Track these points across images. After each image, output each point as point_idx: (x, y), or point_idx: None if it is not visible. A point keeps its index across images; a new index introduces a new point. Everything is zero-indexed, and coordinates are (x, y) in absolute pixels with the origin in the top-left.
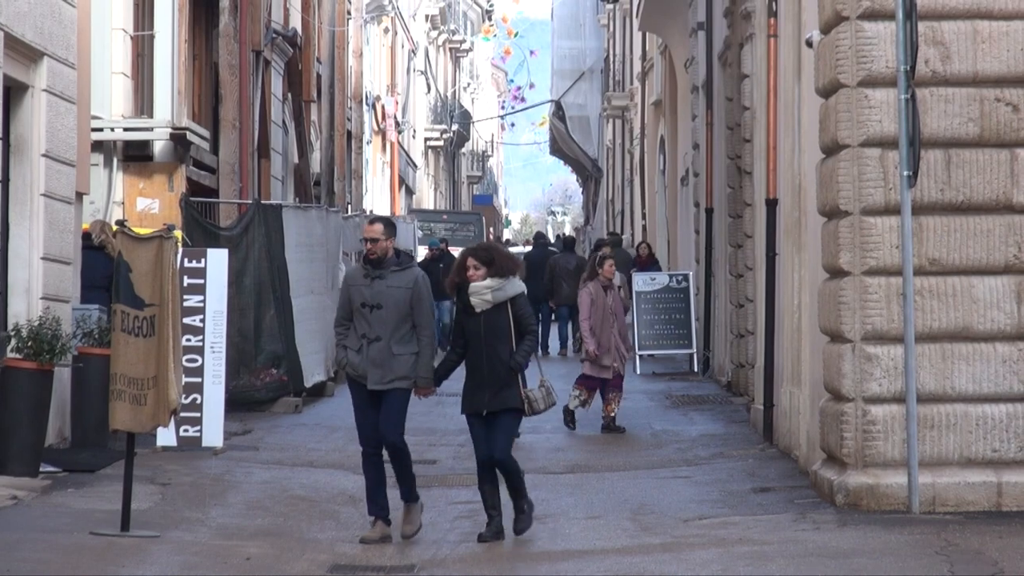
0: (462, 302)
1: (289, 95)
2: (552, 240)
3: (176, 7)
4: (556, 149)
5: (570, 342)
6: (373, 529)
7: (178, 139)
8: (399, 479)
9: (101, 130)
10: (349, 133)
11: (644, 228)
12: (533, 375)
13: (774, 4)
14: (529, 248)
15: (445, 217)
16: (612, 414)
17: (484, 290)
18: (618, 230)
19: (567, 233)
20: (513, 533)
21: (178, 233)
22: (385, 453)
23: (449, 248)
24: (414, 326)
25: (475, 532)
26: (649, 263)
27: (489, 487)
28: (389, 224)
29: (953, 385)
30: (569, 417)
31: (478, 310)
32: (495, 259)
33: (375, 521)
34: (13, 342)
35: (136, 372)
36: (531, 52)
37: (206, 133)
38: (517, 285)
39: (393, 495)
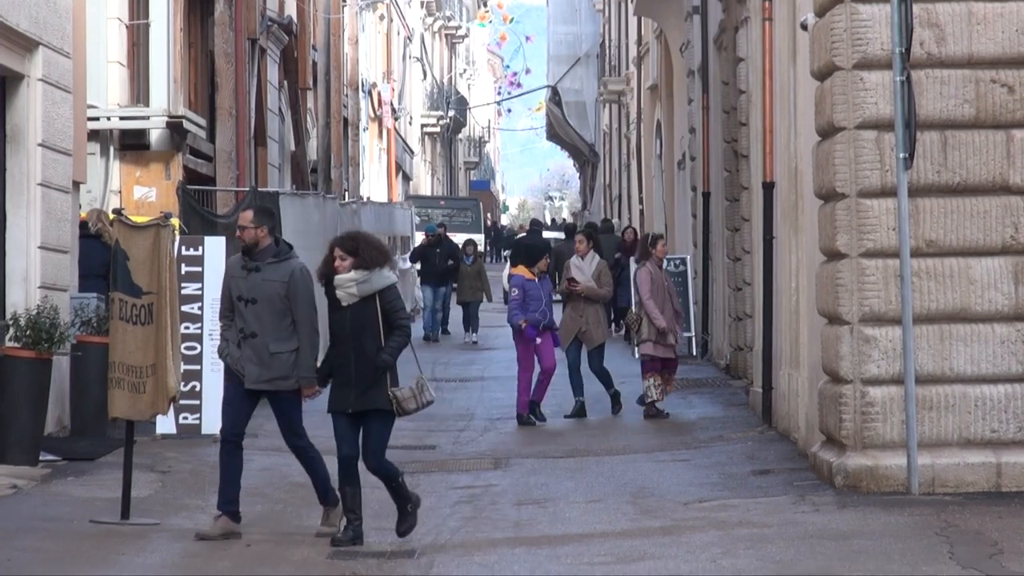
0: (329, 296)
1: (285, 83)
2: (548, 225)
3: None
4: (553, 134)
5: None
6: (215, 523)
7: (174, 127)
8: (313, 480)
9: (97, 119)
10: (345, 120)
11: (641, 212)
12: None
13: None
14: (523, 234)
15: (442, 203)
16: (662, 397)
17: (348, 282)
18: (615, 214)
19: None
20: (397, 535)
21: (175, 221)
22: (298, 451)
23: (448, 233)
24: (295, 322)
25: (476, 517)
26: (635, 248)
27: (350, 489)
28: (263, 212)
29: (951, 366)
30: (652, 410)
31: (344, 303)
32: (360, 249)
33: (220, 516)
34: (11, 331)
35: (135, 360)
36: (527, 38)
37: (202, 121)
38: (385, 277)
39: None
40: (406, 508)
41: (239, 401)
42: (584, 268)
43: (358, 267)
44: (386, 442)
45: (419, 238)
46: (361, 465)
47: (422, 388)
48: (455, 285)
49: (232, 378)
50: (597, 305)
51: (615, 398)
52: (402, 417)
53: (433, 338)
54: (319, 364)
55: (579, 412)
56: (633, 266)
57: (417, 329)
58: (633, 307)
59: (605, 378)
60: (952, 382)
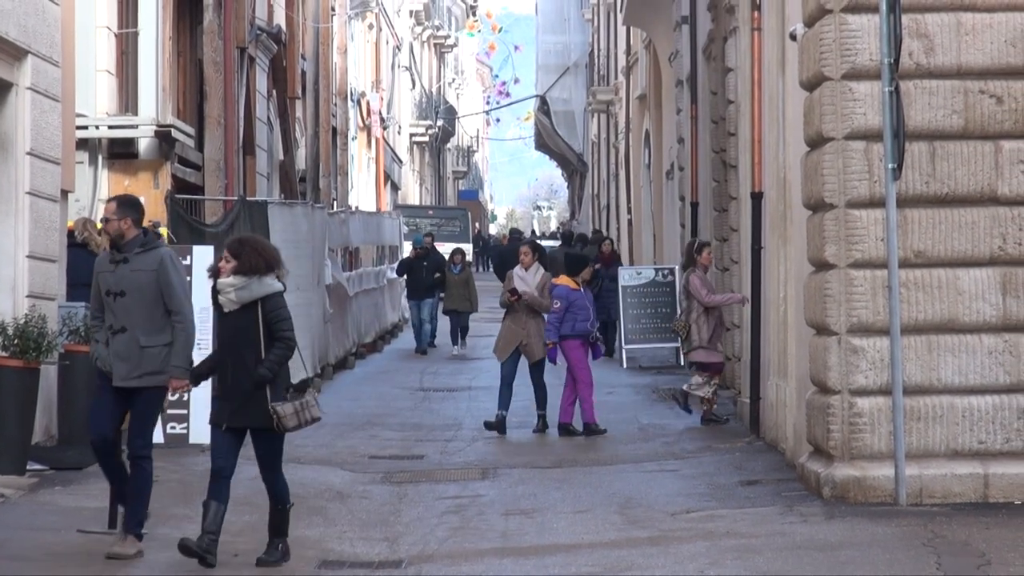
0: (215, 300)
1: (274, 92)
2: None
3: (160, 4)
4: (541, 144)
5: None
6: (124, 543)
7: (163, 136)
8: (128, 497)
9: (86, 128)
10: (334, 129)
11: (630, 222)
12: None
13: None
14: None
15: (431, 213)
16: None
17: (228, 287)
18: (604, 224)
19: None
20: (255, 563)
21: (164, 230)
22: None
23: (436, 243)
24: (168, 313)
25: (463, 527)
26: (611, 260)
27: (215, 505)
28: (127, 204)
29: (939, 377)
30: (710, 415)
31: (226, 310)
32: (243, 253)
33: (126, 536)
34: None
35: None
36: (516, 47)
37: (191, 130)
38: (268, 285)
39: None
40: (276, 542)
41: (108, 404)
42: (528, 279)
43: (237, 272)
44: (279, 457)
45: (408, 248)
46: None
47: (307, 405)
48: (442, 295)
49: (104, 379)
50: (539, 318)
51: (542, 419)
52: (282, 433)
53: (423, 351)
54: (198, 362)
55: (500, 426)
56: (679, 274)
57: (409, 342)
58: (680, 315)
59: (543, 394)
60: (940, 393)
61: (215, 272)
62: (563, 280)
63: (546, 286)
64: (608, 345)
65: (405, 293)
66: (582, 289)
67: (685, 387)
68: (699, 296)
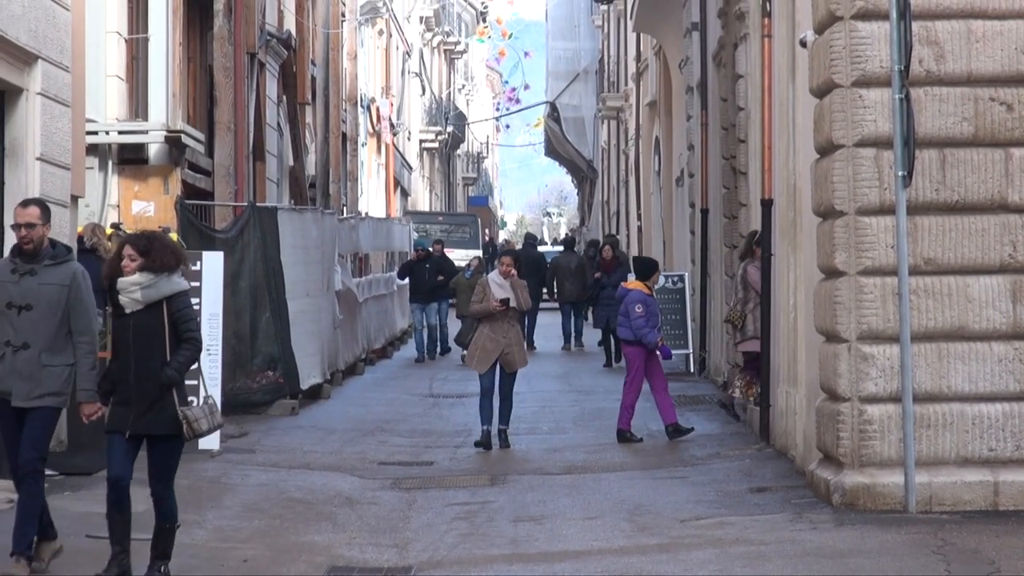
0: (112, 300)
1: (284, 97)
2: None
3: (170, 10)
4: (551, 150)
5: (573, 337)
6: (16, 564)
7: (173, 142)
8: (16, 515)
9: (96, 133)
10: (344, 135)
11: (640, 229)
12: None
13: (768, 4)
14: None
15: (440, 219)
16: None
17: (132, 286)
18: (614, 231)
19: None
20: None
21: (173, 236)
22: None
23: (445, 250)
24: (70, 332)
25: (473, 534)
26: (613, 267)
27: (119, 517)
28: (47, 209)
29: (949, 384)
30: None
31: (127, 310)
32: (152, 249)
33: (18, 558)
34: None
35: None
36: (525, 53)
37: (201, 136)
38: (175, 283)
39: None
40: (159, 564)
41: (17, 432)
42: (506, 287)
43: (145, 269)
44: (175, 469)
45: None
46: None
47: (213, 408)
48: (452, 301)
49: (2, 406)
50: (518, 326)
51: (504, 436)
52: (191, 440)
53: (424, 359)
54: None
55: (486, 442)
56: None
57: (410, 350)
58: (737, 305)
59: (509, 408)
60: (950, 400)
61: (114, 272)
62: (636, 285)
63: (520, 291)
64: (609, 356)
65: (407, 298)
66: (653, 295)
67: (732, 392)
68: (757, 287)
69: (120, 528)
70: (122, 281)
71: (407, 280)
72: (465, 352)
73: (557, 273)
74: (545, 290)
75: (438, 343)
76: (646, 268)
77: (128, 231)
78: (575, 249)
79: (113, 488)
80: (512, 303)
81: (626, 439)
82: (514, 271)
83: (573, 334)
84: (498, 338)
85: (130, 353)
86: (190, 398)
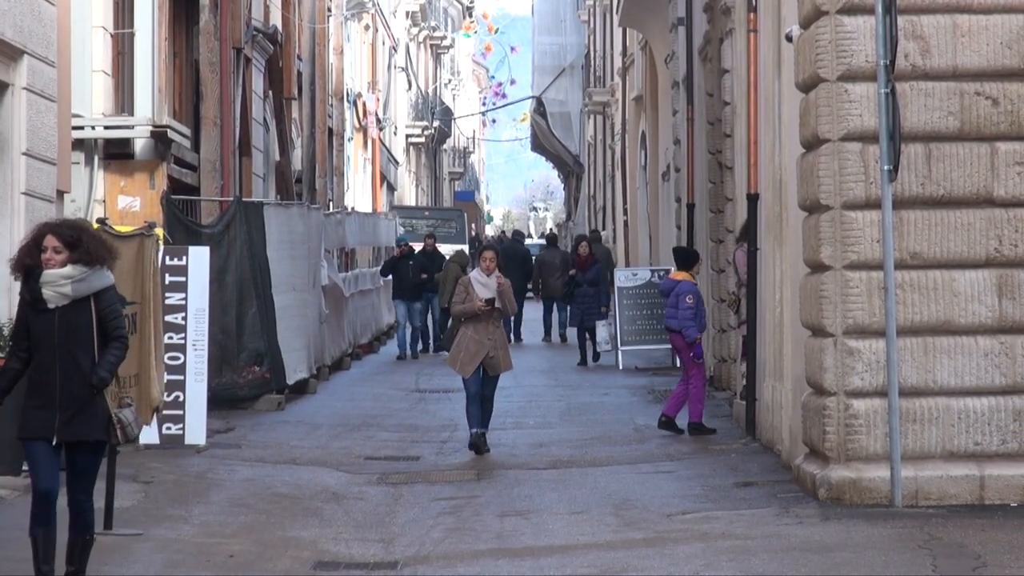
0: (31, 294)
1: (270, 92)
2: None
3: (156, 5)
4: (537, 145)
5: (554, 331)
6: None
7: (159, 137)
8: None
9: (82, 128)
10: (330, 130)
11: (626, 223)
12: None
13: None
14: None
15: (427, 214)
16: None
17: (62, 280)
18: (600, 225)
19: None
20: None
21: (159, 231)
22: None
23: (437, 244)
24: None
25: (459, 528)
26: (589, 264)
27: (43, 532)
28: None
29: (935, 379)
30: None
31: (51, 305)
32: (83, 241)
33: None
34: None
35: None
36: (512, 48)
37: (187, 131)
38: (107, 277)
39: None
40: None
41: None
42: (490, 286)
43: (77, 262)
44: (96, 476)
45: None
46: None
47: (136, 412)
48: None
49: None
50: (502, 328)
51: (483, 438)
52: (123, 445)
53: (406, 356)
54: None
55: (479, 444)
56: (733, 248)
57: (392, 347)
58: (734, 290)
59: (490, 411)
60: (936, 395)
61: (32, 263)
62: (684, 275)
63: (506, 292)
64: (584, 354)
65: (391, 293)
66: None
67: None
68: (740, 272)
69: (47, 546)
70: (49, 274)
71: (390, 277)
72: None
73: (542, 269)
74: (530, 285)
75: (430, 339)
76: (689, 258)
77: (115, 226)
78: (558, 245)
79: (42, 502)
80: (497, 304)
81: (700, 431)
82: (497, 267)
83: (556, 327)
84: (482, 340)
85: (54, 352)
86: (175, 393)
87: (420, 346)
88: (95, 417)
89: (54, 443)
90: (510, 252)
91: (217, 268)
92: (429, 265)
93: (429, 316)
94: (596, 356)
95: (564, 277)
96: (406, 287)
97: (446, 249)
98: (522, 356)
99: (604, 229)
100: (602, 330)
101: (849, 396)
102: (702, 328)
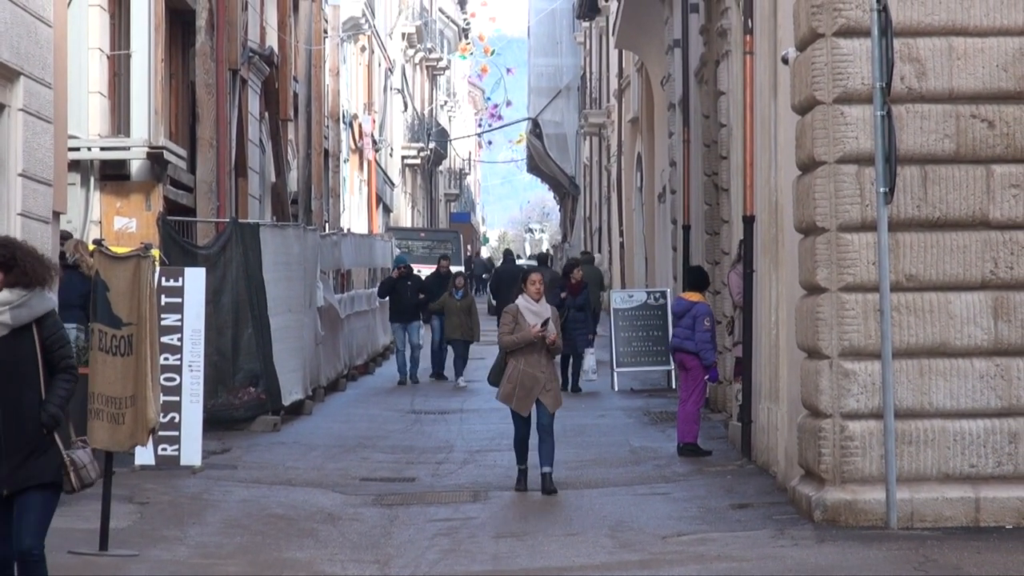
0: None
1: (266, 114)
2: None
3: (152, 26)
4: (533, 167)
5: None
6: None
7: (155, 158)
8: None
9: (78, 149)
10: (326, 151)
11: (622, 245)
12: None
13: (750, 22)
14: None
15: (423, 235)
16: None
17: (0, 307)
18: (596, 247)
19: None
20: None
21: (155, 252)
22: None
23: (427, 267)
24: None
25: (454, 550)
26: (579, 289)
27: None
28: None
29: (931, 401)
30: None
31: None
32: (18, 260)
33: None
34: None
35: (114, 391)
36: (508, 70)
37: (183, 152)
38: (49, 300)
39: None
40: None
41: None
42: (541, 314)
43: (14, 285)
44: (49, 523)
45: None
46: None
47: (91, 454)
48: (438, 320)
49: None
50: (552, 359)
51: (547, 478)
52: (78, 492)
53: (407, 382)
54: None
55: (524, 483)
56: (728, 271)
57: (393, 367)
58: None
59: (551, 447)
60: (931, 417)
61: None
62: (697, 296)
63: (556, 322)
64: (566, 380)
65: (388, 316)
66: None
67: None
68: (733, 294)
69: None
70: None
71: (387, 299)
72: (461, 379)
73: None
74: None
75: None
76: (702, 278)
77: (111, 247)
78: (548, 264)
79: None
80: (552, 331)
81: (694, 452)
82: (543, 292)
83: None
84: (535, 373)
85: None
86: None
87: (411, 374)
88: (48, 460)
89: (3, 495)
90: (504, 272)
91: (213, 289)
92: (439, 290)
93: (429, 339)
94: (576, 387)
95: (553, 296)
96: (405, 309)
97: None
98: None
99: (600, 252)
100: (590, 358)
101: (845, 418)
102: (716, 350)
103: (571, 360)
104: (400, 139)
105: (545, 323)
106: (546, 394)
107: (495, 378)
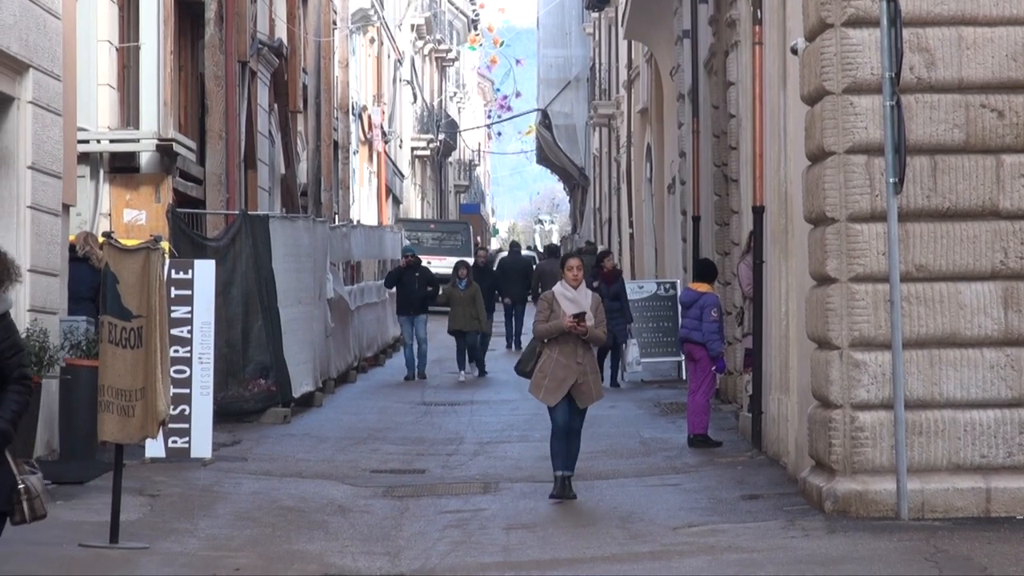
0: None
1: (275, 105)
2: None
3: (161, 19)
4: (543, 158)
5: None
6: None
7: (164, 150)
8: None
9: (87, 142)
10: (336, 143)
11: (631, 236)
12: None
13: (759, 12)
14: (504, 254)
15: (433, 226)
16: None
17: None
18: (605, 238)
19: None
20: None
21: (165, 244)
22: None
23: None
24: None
25: (465, 542)
26: (613, 278)
27: None
28: None
29: (941, 391)
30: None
31: None
32: None
33: None
34: None
35: (124, 383)
36: (517, 61)
37: (192, 144)
38: (6, 301)
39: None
40: None
41: None
42: (580, 301)
43: None
44: None
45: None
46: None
47: (41, 479)
48: (448, 311)
49: None
50: (592, 349)
51: (567, 483)
52: (26, 523)
53: (414, 377)
54: None
55: (565, 489)
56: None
57: (402, 363)
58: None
59: (577, 449)
60: (942, 407)
61: None
62: (706, 287)
63: (599, 310)
64: (614, 374)
65: (395, 308)
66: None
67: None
68: (742, 285)
69: None
70: None
71: (394, 289)
72: (463, 373)
73: (543, 278)
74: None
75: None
76: (710, 270)
77: (120, 240)
78: (558, 256)
79: None
80: (589, 321)
81: (704, 443)
82: (582, 277)
83: None
84: (570, 364)
85: None
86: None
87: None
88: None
89: None
90: (511, 263)
91: (223, 281)
92: (479, 282)
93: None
94: (615, 383)
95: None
96: (412, 301)
97: (450, 262)
98: None
99: (603, 243)
100: (632, 349)
101: (855, 409)
102: (724, 340)
103: (608, 353)
104: (409, 130)
105: (580, 315)
106: (579, 388)
107: (524, 367)
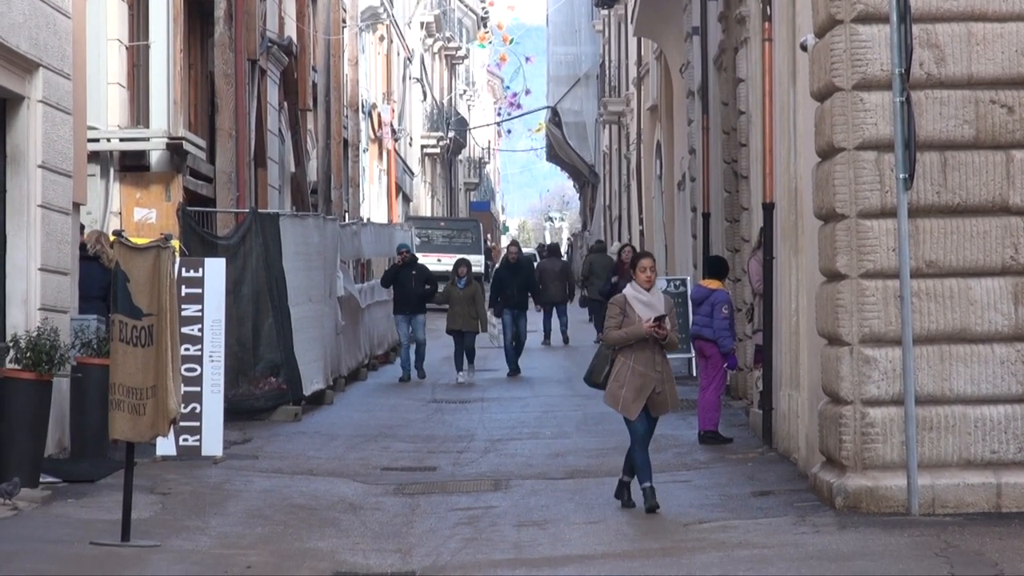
0: None
1: (285, 104)
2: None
3: (171, 17)
4: (553, 155)
5: (555, 334)
6: None
7: (174, 149)
8: None
9: (97, 140)
10: (346, 141)
11: (642, 233)
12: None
13: (768, 8)
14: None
15: (442, 224)
16: None
17: None
18: (616, 235)
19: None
20: None
21: (175, 243)
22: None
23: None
24: None
25: (476, 539)
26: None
27: None
28: None
29: (951, 387)
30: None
31: None
32: None
33: None
34: (12, 353)
35: (135, 382)
36: (527, 58)
37: (202, 143)
38: None
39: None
40: None
41: None
42: (655, 305)
43: None
44: None
45: (422, 262)
46: None
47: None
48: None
49: None
50: (666, 356)
51: (649, 492)
52: None
53: (410, 379)
54: None
55: (654, 501)
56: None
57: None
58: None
59: (647, 460)
60: (952, 403)
61: None
62: (716, 284)
63: (672, 314)
64: None
65: (392, 307)
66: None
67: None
68: (752, 281)
69: None
70: None
71: (391, 288)
72: (461, 374)
73: (543, 277)
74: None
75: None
76: (721, 266)
77: (131, 238)
78: (559, 255)
79: None
80: (668, 325)
81: (715, 440)
82: (655, 279)
83: (559, 331)
84: (648, 372)
85: None
86: (191, 405)
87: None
88: None
89: None
90: (549, 266)
91: (233, 279)
92: (510, 280)
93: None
94: None
95: (563, 284)
96: (408, 300)
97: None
98: (536, 365)
99: (614, 241)
100: None
101: (865, 405)
102: (735, 337)
103: None
104: (419, 128)
105: (660, 318)
106: (656, 397)
107: (595, 377)
